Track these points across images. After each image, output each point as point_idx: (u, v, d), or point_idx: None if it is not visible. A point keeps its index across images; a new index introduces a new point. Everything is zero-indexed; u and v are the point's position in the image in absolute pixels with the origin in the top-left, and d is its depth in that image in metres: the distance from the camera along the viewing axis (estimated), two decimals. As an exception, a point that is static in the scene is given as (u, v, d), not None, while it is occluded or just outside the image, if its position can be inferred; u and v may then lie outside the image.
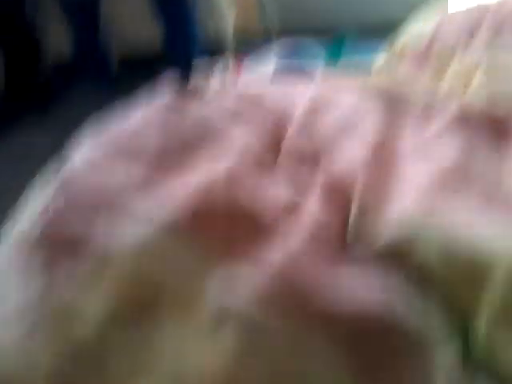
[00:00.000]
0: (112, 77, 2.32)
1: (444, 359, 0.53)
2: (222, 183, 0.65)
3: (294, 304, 0.54)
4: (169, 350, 0.53)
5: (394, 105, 0.85)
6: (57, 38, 2.37)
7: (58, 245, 0.62)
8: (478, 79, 0.90)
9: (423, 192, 0.64)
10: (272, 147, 0.78)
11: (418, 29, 1.20)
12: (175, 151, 0.74)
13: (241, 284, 0.56)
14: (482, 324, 0.54)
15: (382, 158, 0.72)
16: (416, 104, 0.86)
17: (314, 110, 0.85)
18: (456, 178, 0.67)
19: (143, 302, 0.56)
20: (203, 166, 0.70)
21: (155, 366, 0.53)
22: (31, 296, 0.59)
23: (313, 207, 0.65)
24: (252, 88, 0.99)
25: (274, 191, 0.68)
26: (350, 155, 0.73)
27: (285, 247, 0.59)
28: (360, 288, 0.56)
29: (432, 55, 1.03)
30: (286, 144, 0.79)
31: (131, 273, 0.57)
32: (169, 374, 0.52)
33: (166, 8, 1.99)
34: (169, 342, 0.54)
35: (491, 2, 1.15)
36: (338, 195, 0.67)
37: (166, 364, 0.53)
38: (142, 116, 0.82)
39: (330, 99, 0.89)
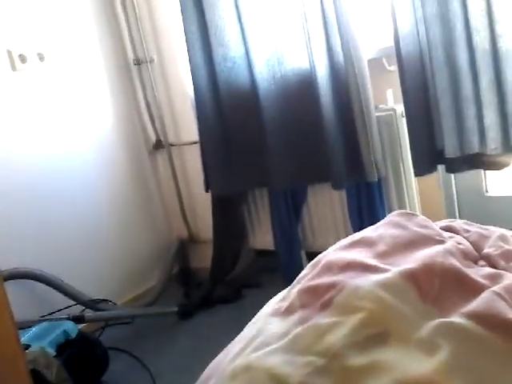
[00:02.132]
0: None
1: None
2: (440, 256, 0.96)
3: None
4: (395, 360, 0.80)
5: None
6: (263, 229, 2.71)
7: (310, 293, 0.98)
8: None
9: None
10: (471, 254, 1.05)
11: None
12: (401, 247, 1.05)
13: (453, 322, 0.84)
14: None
15: None
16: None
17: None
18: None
19: (377, 332, 0.85)
20: (425, 252, 1.00)
21: (385, 369, 0.79)
22: (289, 325, 0.93)
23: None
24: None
25: (477, 274, 0.94)
26: None
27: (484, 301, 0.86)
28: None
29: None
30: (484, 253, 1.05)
31: (373, 304, 0.87)
32: (395, 375, 0.77)
33: (361, 215, 2.23)
34: (395, 355, 0.81)
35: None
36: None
37: (393, 367, 0.78)
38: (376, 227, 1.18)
39: None
